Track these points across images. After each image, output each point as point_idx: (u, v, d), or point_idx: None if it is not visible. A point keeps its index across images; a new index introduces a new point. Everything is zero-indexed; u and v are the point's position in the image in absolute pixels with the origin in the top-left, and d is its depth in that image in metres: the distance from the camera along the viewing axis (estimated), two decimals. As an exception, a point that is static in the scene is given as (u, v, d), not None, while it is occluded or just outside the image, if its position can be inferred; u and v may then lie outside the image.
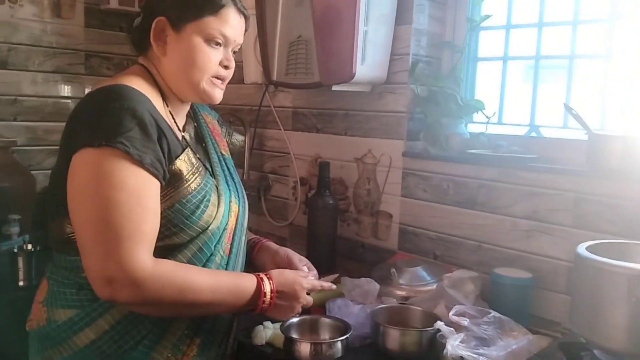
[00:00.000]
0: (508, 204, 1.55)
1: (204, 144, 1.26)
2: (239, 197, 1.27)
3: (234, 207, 1.23)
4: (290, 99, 2.11)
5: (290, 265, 1.29)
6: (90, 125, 1.01)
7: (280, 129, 2.12)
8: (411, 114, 1.76)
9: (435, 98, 1.74)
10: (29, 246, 1.61)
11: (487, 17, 1.72)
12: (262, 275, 1.14)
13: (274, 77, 1.86)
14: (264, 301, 1.12)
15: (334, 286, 1.27)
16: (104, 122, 1.00)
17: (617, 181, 1.35)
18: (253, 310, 1.14)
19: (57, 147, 1.11)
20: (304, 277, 1.20)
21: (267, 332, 1.32)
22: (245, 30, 1.21)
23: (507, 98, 1.77)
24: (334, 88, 1.72)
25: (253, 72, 2.06)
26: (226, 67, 1.16)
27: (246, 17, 1.19)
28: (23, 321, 1.21)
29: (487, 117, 1.72)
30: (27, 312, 1.21)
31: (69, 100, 2.16)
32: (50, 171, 1.15)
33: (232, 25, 1.14)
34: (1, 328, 1.49)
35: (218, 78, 1.16)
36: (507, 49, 1.76)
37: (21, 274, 1.57)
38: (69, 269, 1.10)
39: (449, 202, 1.67)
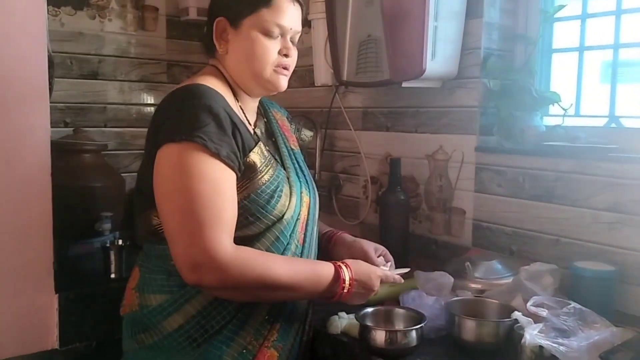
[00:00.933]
0: (588, 196, 1.50)
1: (274, 139, 1.32)
2: (309, 188, 1.32)
3: (305, 198, 1.28)
4: (360, 100, 2.14)
5: (365, 256, 1.31)
6: (171, 123, 1.09)
7: (350, 129, 2.15)
8: (483, 108, 1.75)
9: (509, 91, 1.72)
10: (120, 241, 1.72)
11: (561, 7, 1.68)
12: (339, 263, 1.18)
13: (344, 77, 1.90)
14: (343, 287, 1.15)
15: (401, 280, 1.29)
16: (183, 119, 1.08)
17: None
18: (331, 297, 1.17)
19: (143, 151, 1.20)
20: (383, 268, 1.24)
21: (342, 321, 1.35)
22: (303, 18, 1.25)
23: (585, 89, 1.71)
24: (404, 85, 1.74)
25: (323, 75, 2.11)
26: (286, 55, 1.21)
27: (301, 5, 1.23)
28: (115, 309, 1.31)
29: (563, 109, 1.68)
30: (119, 301, 1.31)
31: (151, 108, 2.30)
32: (136, 173, 1.25)
33: (287, 14, 1.19)
34: (96, 316, 1.60)
35: (280, 66, 1.21)
36: (583, 39, 1.71)
37: (113, 267, 1.68)
38: (158, 257, 1.18)
39: (525, 196, 1.64)
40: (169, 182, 1.07)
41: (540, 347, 1.14)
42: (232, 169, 1.10)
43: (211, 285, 1.05)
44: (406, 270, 1.37)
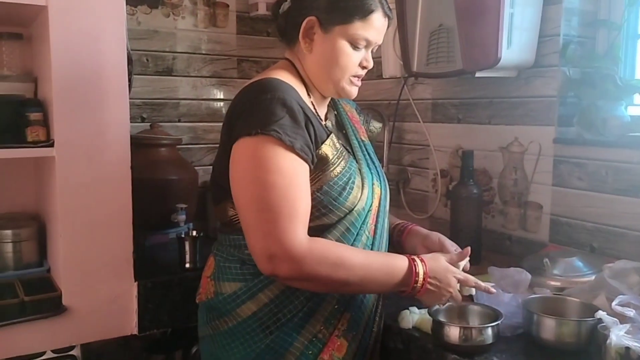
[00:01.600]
0: (679, 190, 1.40)
1: (344, 131, 1.32)
2: (380, 180, 1.31)
3: (377, 190, 1.27)
4: (430, 91, 2.10)
5: (442, 249, 1.29)
6: (246, 117, 1.11)
7: (419, 122, 2.11)
8: (562, 98, 1.67)
9: (590, 80, 1.63)
10: (194, 232, 1.77)
11: (650, -11, 1.57)
12: (414, 256, 1.16)
13: (414, 69, 1.87)
14: (416, 281, 1.13)
15: (493, 291, 1.23)
16: (257, 112, 1.09)
17: None
18: (404, 291, 1.16)
19: (214, 145, 1.24)
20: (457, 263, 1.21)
21: (414, 316, 1.33)
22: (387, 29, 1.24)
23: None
24: (478, 74, 1.68)
25: (392, 66, 2.08)
26: (364, 67, 1.22)
27: (390, 19, 1.23)
28: (190, 298, 1.35)
29: (651, 97, 1.57)
30: (194, 290, 1.35)
31: (222, 103, 2.35)
32: (208, 167, 1.28)
33: (377, 29, 1.19)
34: (172, 303, 1.66)
35: (356, 76, 1.22)
36: (674, 22, 1.60)
37: (187, 257, 1.73)
38: (233, 246, 1.21)
39: (608, 190, 1.55)
40: (245, 175, 1.09)
41: (627, 348, 1.08)
42: (306, 161, 1.11)
43: (286, 275, 1.06)
44: (490, 284, 1.29)
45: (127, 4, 1.58)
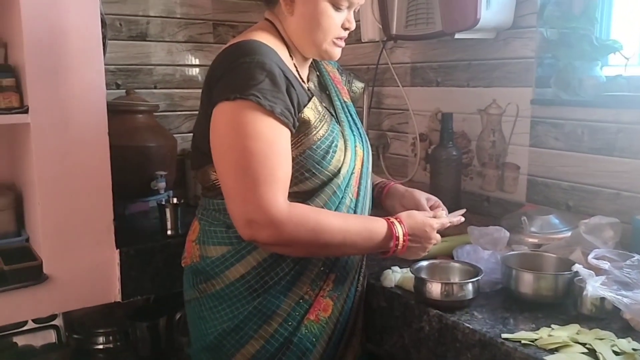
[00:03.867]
0: (652, 148, 1.44)
1: (327, 92, 1.31)
2: (362, 141, 1.31)
3: (359, 152, 1.28)
4: (409, 54, 2.09)
5: (417, 206, 1.31)
6: (225, 81, 1.09)
7: (398, 86, 2.11)
8: (540, 59, 1.68)
9: (567, 40, 1.64)
10: (174, 200, 1.76)
11: (626, -52, 1.58)
12: (392, 219, 1.18)
13: (394, 31, 1.86)
14: (396, 244, 1.16)
15: (462, 219, 1.29)
16: (236, 76, 1.07)
17: None
18: (385, 253, 1.18)
19: (192, 112, 1.22)
20: (432, 216, 1.23)
21: (396, 275, 1.35)
22: None
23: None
24: (457, 36, 1.69)
25: (370, 30, 2.06)
26: (347, 29, 1.20)
27: None
28: (173, 263, 1.35)
29: (625, 58, 1.59)
30: (176, 256, 1.35)
31: (199, 69, 2.31)
32: (187, 134, 1.26)
33: None
34: (155, 270, 1.66)
35: (339, 38, 1.20)
36: (649, -18, 1.61)
37: (169, 224, 1.72)
38: (217, 210, 1.21)
39: (584, 149, 1.58)
40: (224, 141, 1.08)
41: (602, 299, 1.12)
42: (287, 125, 1.10)
43: (266, 241, 1.07)
44: (462, 211, 1.34)
45: (98, -34, 1.53)
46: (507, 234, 1.41)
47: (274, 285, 1.17)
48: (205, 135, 1.13)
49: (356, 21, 2.06)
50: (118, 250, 1.59)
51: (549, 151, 1.67)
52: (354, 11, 1.22)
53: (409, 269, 1.29)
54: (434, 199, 1.36)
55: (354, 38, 2.19)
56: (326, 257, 1.21)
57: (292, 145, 1.13)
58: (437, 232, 1.23)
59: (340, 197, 1.20)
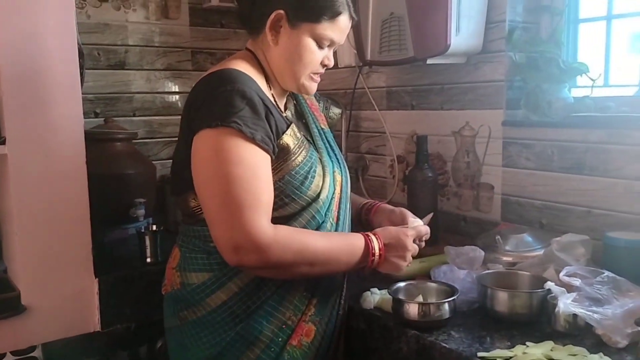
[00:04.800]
0: (619, 166, 1.48)
1: (304, 120, 1.34)
2: (340, 167, 1.33)
3: (338, 177, 1.30)
4: (384, 79, 2.14)
5: (404, 222, 1.33)
6: (206, 109, 1.11)
7: (375, 110, 2.15)
8: (510, 82, 1.73)
9: (535, 63, 1.70)
10: (154, 227, 1.77)
11: (588, -25, 1.65)
12: (368, 233, 1.21)
13: (368, 57, 1.90)
14: (373, 254, 1.18)
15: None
16: (217, 104, 1.10)
17: None
18: (364, 267, 1.20)
19: (171, 139, 1.24)
20: (406, 226, 1.26)
21: (375, 297, 1.37)
22: None
23: (614, 59, 1.69)
24: (429, 61, 1.73)
25: (347, 56, 2.11)
26: (325, 66, 1.24)
27: (355, 21, 1.25)
28: (153, 290, 1.35)
29: (591, 79, 1.65)
30: (156, 284, 1.35)
31: (178, 95, 2.33)
32: (166, 160, 1.28)
33: (342, 30, 1.21)
34: (135, 298, 1.65)
35: (316, 73, 1.23)
36: (610, 8, 1.68)
37: (148, 252, 1.72)
38: (197, 237, 1.21)
39: (555, 168, 1.63)
40: (207, 168, 1.10)
41: (574, 315, 1.15)
42: (267, 152, 1.12)
43: (253, 265, 1.08)
44: (430, 215, 1.37)
45: (75, -3, 1.56)
46: (482, 253, 1.44)
47: (256, 311, 1.17)
48: (186, 162, 1.15)
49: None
50: (97, 279, 1.59)
51: (521, 171, 1.71)
52: (334, 49, 1.26)
53: (387, 289, 1.31)
54: (419, 220, 1.37)
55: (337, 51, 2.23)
56: (308, 281, 1.22)
57: (272, 171, 1.15)
58: (415, 243, 1.25)
59: (321, 221, 1.22)
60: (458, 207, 1.92)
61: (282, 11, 1.17)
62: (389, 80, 2.12)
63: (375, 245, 1.19)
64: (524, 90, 1.73)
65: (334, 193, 1.26)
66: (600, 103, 1.62)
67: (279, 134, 1.16)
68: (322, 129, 1.36)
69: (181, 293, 1.22)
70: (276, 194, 1.15)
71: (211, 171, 1.09)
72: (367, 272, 1.22)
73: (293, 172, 1.17)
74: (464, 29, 1.67)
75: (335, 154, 1.35)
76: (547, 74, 1.67)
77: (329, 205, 1.24)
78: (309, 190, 1.19)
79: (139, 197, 1.88)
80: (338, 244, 1.17)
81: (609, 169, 1.50)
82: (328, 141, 1.36)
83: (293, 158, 1.18)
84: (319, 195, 1.21)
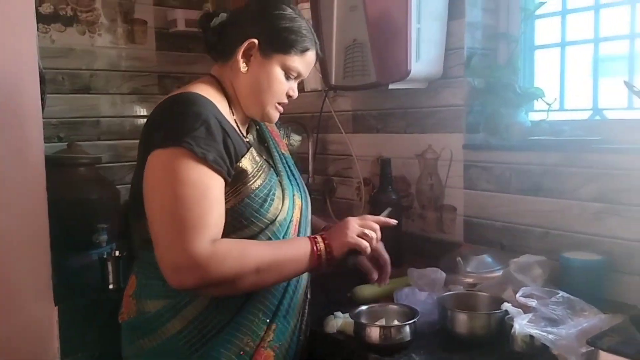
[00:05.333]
0: (574, 188, 1.53)
1: (266, 145, 1.35)
2: (301, 191, 1.35)
3: (297, 201, 1.31)
4: (350, 103, 2.17)
5: None
6: (161, 129, 1.11)
7: (341, 133, 2.18)
8: (469, 106, 1.78)
9: (493, 89, 1.75)
10: (117, 252, 1.74)
11: (542, 4, 1.71)
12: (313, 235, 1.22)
13: (333, 82, 1.93)
14: (319, 249, 1.17)
15: (393, 222, 1.30)
16: (172, 125, 1.10)
17: (687, 156, 1.32)
18: (319, 262, 1.18)
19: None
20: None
21: (338, 321, 1.37)
22: None
23: (569, 84, 1.75)
24: (391, 87, 1.77)
25: (313, 80, 2.14)
26: (289, 96, 1.28)
27: (319, 57, 1.30)
28: (115, 320, 1.33)
29: (547, 104, 1.71)
30: (119, 311, 1.33)
31: (144, 119, 2.33)
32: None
33: (309, 64, 1.27)
34: (96, 326, 1.62)
35: (281, 103, 1.27)
36: (564, 35, 1.74)
37: (111, 278, 1.70)
38: (153, 264, 1.17)
39: (513, 190, 1.67)
40: (155, 187, 1.09)
41: (531, 336, 1.16)
42: (220, 173, 1.12)
43: (194, 285, 1.06)
44: (388, 210, 1.39)
45: (39, 22, 1.56)
46: (444, 275, 1.46)
47: (212, 338, 1.16)
48: (141, 184, 1.13)
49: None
50: (57, 306, 1.55)
51: (481, 193, 1.75)
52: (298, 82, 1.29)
53: (349, 313, 1.31)
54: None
55: (298, 87, 2.25)
56: (267, 306, 1.20)
57: (230, 194, 1.15)
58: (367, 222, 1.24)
59: None
60: (423, 229, 1.95)
61: (255, 40, 1.20)
62: (354, 104, 2.16)
63: (319, 238, 1.18)
64: (483, 114, 1.78)
65: (292, 217, 1.27)
66: (555, 127, 1.67)
67: (238, 157, 1.17)
68: (282, 153, 1.38)
69: (138, 321, 1.20)
70: (235, 217, 1.15)
71: (159, 190, 1.08)
72: (328, 268, 1.19)
73: (252, 195, 1.18)
74: (424, 55, 1.71)
75: (296, 179, 1.36)
76: (504, 98, 1.72)
77: (287, 228, 1.24)
78: (267, 213, 1.20)
79: (102, 223, 1.86)
80: (281, 246, 1.17)
81: (565, 190, 1.55)
82: (289, 165, 1.37)
83: (252, 181, 1.19)
84: (276, 217, 1.21)
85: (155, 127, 1.13)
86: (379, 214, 1.36)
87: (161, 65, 2.36)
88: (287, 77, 1.24)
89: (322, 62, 1.95)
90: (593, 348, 1.04)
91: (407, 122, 1.96)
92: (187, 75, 2.39)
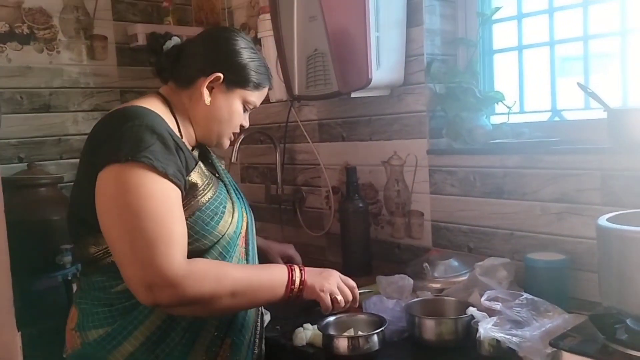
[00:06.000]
0: (535, 189, 1.55)
1: (210, 160, 1.35)
2: (245, 206, 1.35)
3: (244, 215, 1.31)
4: (315, 112, 2.17)
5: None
6: (112, 144, 1.07)
7: (308, 142, 2.18)
8: (432, 112, 1.79)
9: (454, 94, 1.76)
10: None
11: (498, 9, 1.74)
12: (291, 264, 1.22)
13: (296, 92, 1.93)
14: (293, 282, 1.17)
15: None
16: (125, 139, 1.06)
17: (641, 154, 1.34)
18: (291, 292, 1.17)
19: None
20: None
21: (307, 333, 1.37)
22: None
23: (528, 87, 1.78)
24: (353, 95, 1.77)
25: (277, 90, 2.13)
26: (242, 127, 1.32)
27: (270, 89, 1.35)
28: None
29: (507, 107, 1.73)
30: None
31: (109, 136, 2.29)
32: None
33: (263, 97, 1.33)
34: (62, 350, 1.58)
35: (234, 134, 1.32)
36: (521, 38, 1.77)
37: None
38: (98, 289, 1.15)
39: (477, 194, 1.68)
40: (115, 204, 1.05)
41: (497, 340, 1.17)
42: (179, 187, 1.10)
43: (169, 303, 1.04)
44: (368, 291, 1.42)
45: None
46: (411, 281, 1.46)
47: (165, 358, 1.13)
48: (88, 202, 1.08)
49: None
50: (20, 332, 1.51)
51: (447, 197, 1.77)
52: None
53: (317, 325, 1.30)
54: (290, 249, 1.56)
55: (264, 98, 2.25)
56: (220, 322, 1.19)
57: (182, 207, 1.12)
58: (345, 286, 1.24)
59: (228, 257, 1.20)
60: (392, 235, 1.95)
61: (221, 75, 1.22)
62: (319, 113, 2.16)
63: (297, 273, 1.18)
64: (446, 119, 1.79)
65: (240, 229, 1.26)
66: (516, 129, 1.70)
67: (188, 171, 1.16)
68: (223, 169, 1.39)
69: (82, 352, 1.14)
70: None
71: (120, 208, 1.04)
72: (293, 297, 1.19)
73: (203, 209, 1.16)
74: (384, 63, 1.72)
75: (239, 193, 1.36)
76: (465, 103, 1.74)
77: (236, 241, 1.24)
78: (218, 226, 1.18)
79: (65, 244, 1.82)
80: (259, 272, 1.17)
81: (526, 192, 1.57)
82: (230, 181, 1.37)
83: (201, 195, 1.17)
84: (226, 231, 1.20)
85: (104, 141, 1.09)
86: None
87: (123, 80, 2.32)
88: (245, 110, 1.29)
89: (285, 72, 1.95)
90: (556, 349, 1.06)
91: (372, 130, 1.97)
92: (150, 89, 2.31)
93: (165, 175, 1.07)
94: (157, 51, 1.27)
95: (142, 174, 1.05)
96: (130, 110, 1.13)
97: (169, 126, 1.15)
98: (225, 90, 1.24)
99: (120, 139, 1.07)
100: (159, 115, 1.15)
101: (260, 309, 1.33)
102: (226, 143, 1.31)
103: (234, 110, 1.26)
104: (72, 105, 2.20)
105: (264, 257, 1.48)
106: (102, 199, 1.07)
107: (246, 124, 1.32)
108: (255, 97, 1.29)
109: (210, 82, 1.22)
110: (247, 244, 1.29)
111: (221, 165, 1.39)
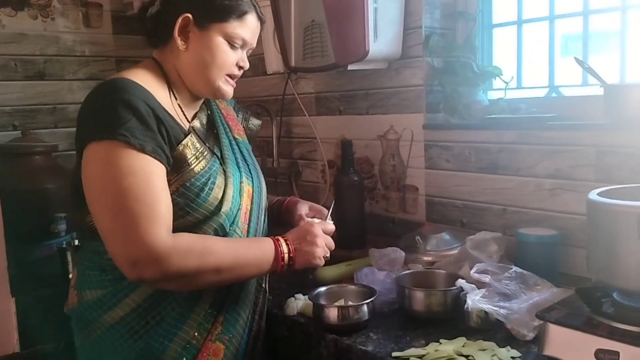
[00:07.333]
0: (530, 165, 1.55)
1: (215, 130, 1.30)
2: (252, 177, 1.31)
3: (246, 188, 1.27)
4: (312, 85, 2.16)
5: (294, 218, 1.35)
6: (91, 121, 1.08)
7: (305, 115, 2.17)
8: (429, 86, 1.78)
9: (452, 68, 1.75)
10: (76, 242, 1.72)
11: (498, -18, 1.72)
12: (277, 237, 1.20)
13: (293, 63, 1.91)
14: (283, 258, 1.17)
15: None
16: (101, 116, 1.06)
17: (636, 130, 1.34)
18: (277, 270, 1.18)
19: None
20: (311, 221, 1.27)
21: (298, 302, 1.38)
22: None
23: (526, 62, 1.76)
24: (350, 67, 1.76)
25: (274, 62, 2.11)
26: (240, 68, 1.23)
27: (263, 22, 1.26)
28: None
29: (505, 82, 1.72)
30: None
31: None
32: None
33: (252, 30, 1.22)
34: (57, 317, 1.59)
35: (232, 77, 1.23)
36: (520, 13, 1.75)
37: (70, 268, 1.68)
38: (94, 252, 1.17)
39: (472, 169, 1.68)
40: (97, 182, 1.06)
41: (486, 312, 1.18)
42: (160, 161, 1.09)
43: (154, 278, 1.04)
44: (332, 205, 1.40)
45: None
46: (403, 254, 1.47)
47: (155, 327, 1.13)
48: (79, 174, 1.10)
49: (260, 54, 2.13)
50: (14, 298, 1.52)
51: (442, 172, 1.76)
52: (247, 52, 1.25)
53: (308, 295, 1.32)
54: (317, 207, 1.39)
55: (260, 70, 2.24)
56: (214, 298, 1.18)
57: (169, 182, 1.11)
58: (328, 237, 1.24)
59: (226, 234, 1.19)
60: (386, 209, 1.96)
61: (189, 15, 1.16)
62: (317, 86, 2.14)
63: (284, 248, 1.17)
64: (443, 94, 1.78)
65: (240, 205, 1.23)
66: (513, 105, 1.69)
67: (174, 145, 1.13)
68: (235, 139, 1.34)
69: (78, 310, 1.18)
70: (173, 206, 1.11)
71: (101, 185, 1.05)
72: (283, 272, 1.19)
73: (188, 184, 1.14)
74: (382, 36, 1.71)
75: (248, 165, 1.33)
76: (463, 78, 1.72)
77: (234, 218, 1.21)
78: (205, 203, 1.16)
79: (60, 212, 1.82)
80: (245, 248, 1.15)
81: (521, 167, 1.57)
82: (241, 151, 1.33)
83: (189, 169, 1.15)
84: (220, 207, 1.17)
85: (86, 118, 1.09)
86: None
87: (118, 49, 2.30)
88: (232, 47, 1.19)
89: (282, 43, 1.93)
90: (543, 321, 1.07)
91: (369, 103, 1.95)
92: (146, 59, 2.34)
93: (143, 151, 1.06)
94: (143, 19, 1.24)
95: (120, 152, 1.04)
96: (111, 84, 1.11)
97: (152, 98, 1.12)
98: (199, 31, 1.17)
99: (97, 116, 1.07)
100: (140, 87, 1.11)
101: (264, 285, 1.32)
102: (225, 89, 1.22)
103: (217, 48, 1.17)
104: (67, 73, 2.18)
105: (289, 214, 1.40)
106: (86, 177, 1.08)
107: (244, 63, 1.23)
108: (240, 30, 1.19)
109: (181, 26, 1.16)
110: (250, 219, 1.26)
111: (233, 135, 1.34)
